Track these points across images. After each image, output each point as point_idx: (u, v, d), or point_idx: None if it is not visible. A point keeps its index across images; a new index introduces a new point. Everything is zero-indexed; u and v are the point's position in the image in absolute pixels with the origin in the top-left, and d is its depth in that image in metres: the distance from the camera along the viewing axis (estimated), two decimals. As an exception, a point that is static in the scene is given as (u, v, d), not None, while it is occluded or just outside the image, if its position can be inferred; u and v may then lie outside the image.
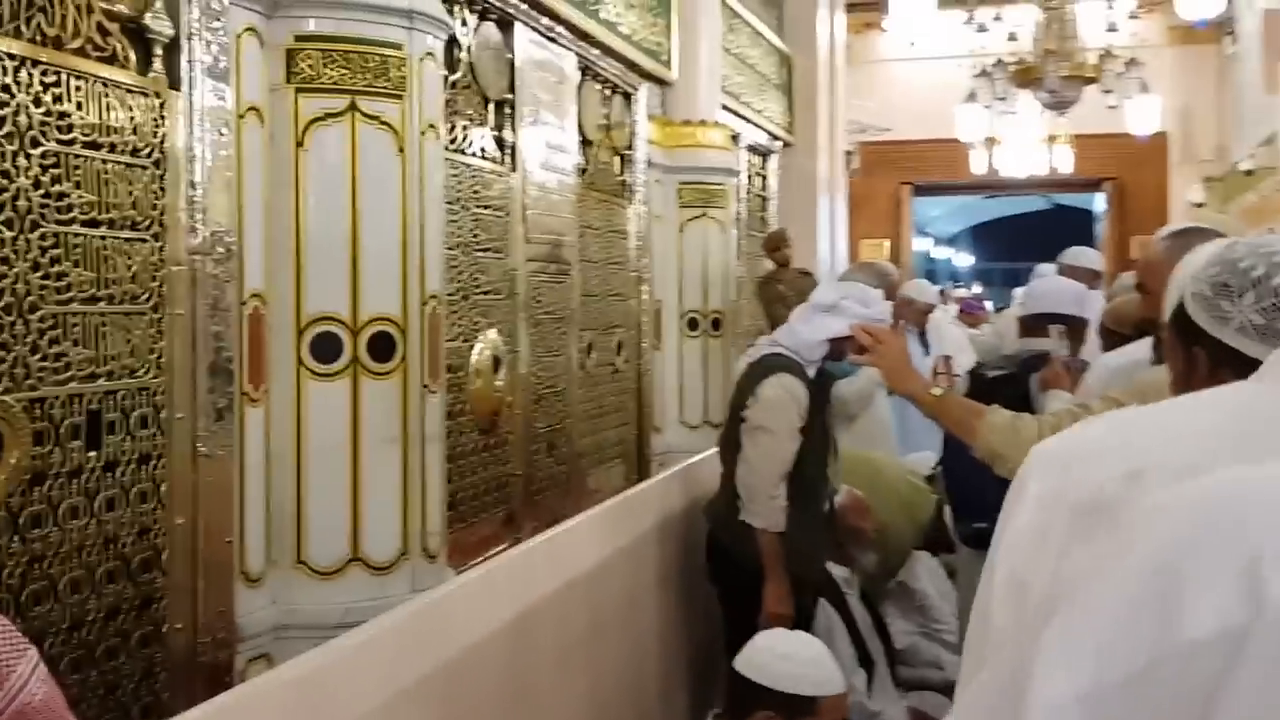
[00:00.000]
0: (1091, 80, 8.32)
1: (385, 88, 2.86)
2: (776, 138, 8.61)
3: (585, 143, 5.29)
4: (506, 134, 4.39)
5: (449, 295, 3.92)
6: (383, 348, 2.91)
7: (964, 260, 30.62)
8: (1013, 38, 8.41)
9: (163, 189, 2.50)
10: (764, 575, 3.25)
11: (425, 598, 2.83)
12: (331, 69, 2.80)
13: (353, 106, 2.83)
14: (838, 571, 3.72)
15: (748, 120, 7.71)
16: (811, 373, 3.38)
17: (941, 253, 28.86)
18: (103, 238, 2.35)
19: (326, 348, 2.85)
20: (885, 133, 12.42)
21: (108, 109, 2.34)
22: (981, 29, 8.58)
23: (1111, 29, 7.76)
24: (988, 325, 9.04)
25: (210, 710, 2.07)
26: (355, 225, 2.85)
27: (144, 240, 2.46)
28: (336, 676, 2.41)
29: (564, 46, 4.88)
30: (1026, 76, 8.07)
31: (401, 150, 2.91)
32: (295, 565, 2.88)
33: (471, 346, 4.13)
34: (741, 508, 3.31)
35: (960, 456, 3.27)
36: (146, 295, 2.47)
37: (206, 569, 2.64)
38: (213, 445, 2.63)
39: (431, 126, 3.00)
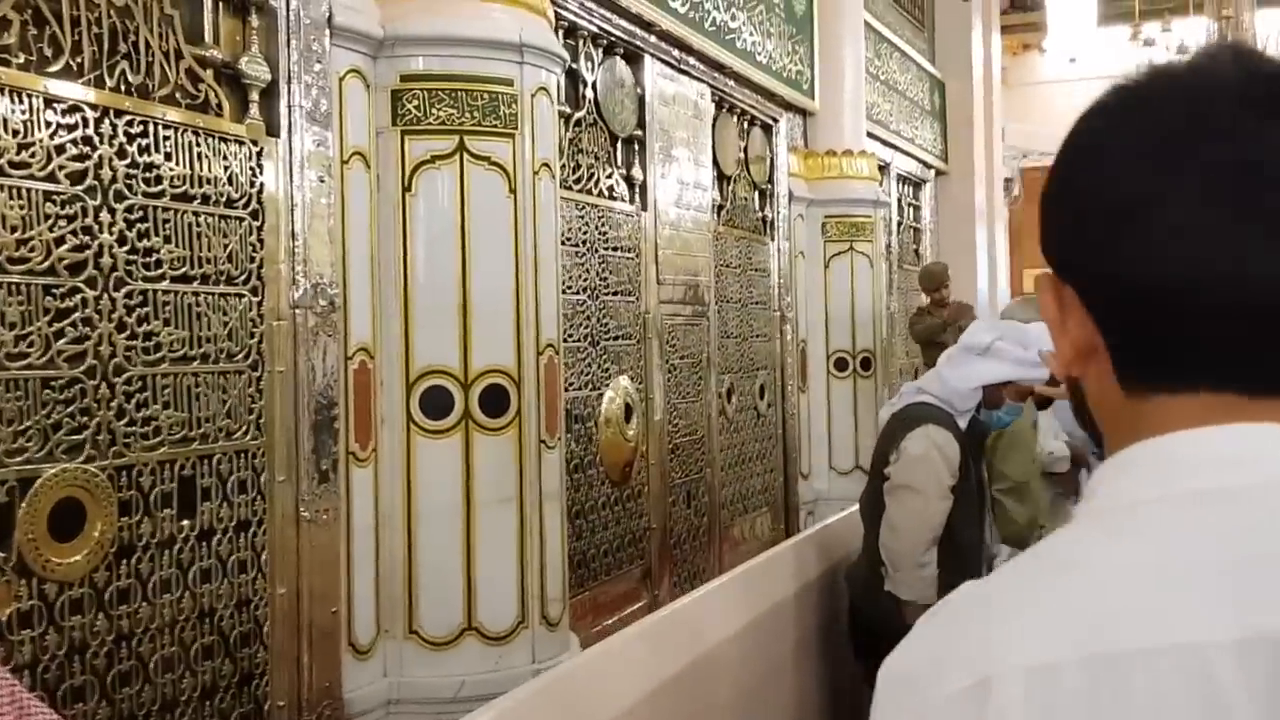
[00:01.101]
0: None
1: (495, 126, 2.70)
2: (929, 166, 8.23)
3: (722, 178, 5.07)
4: (636, 172, 4.20)
5: (575, 342, 3.74)
6: (496, 401, 2.73)
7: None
8: (1182, 50, 7.83)
9: (260, 240, 2.37)
10: (914, 654, 2.90)
11: (552, 674, 2.61)
12: (439, 108, 2.65)
13: (461, 147, 2.67)
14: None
15: (897, 149, 7.37)
16: (963, 423, 3.03)
17: (1110, 280, 27.55)
18: (195, 293, 2.23)
19: (436, 402, 2.68)
20: (1048, 157, 11.84)
21: (199, 158, 2.23)
22: (1148, 43, 8.04)
23: (1296, 36, 7.15)
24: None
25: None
26: (465, 272, 2.69)
27: (240, 295, 2.33)
28: None
29: (697, 79, 4.67)
30: (1200, 93, 7.49)
31: (513, 191, 2.73)
32: (407, 635, 2.71)
33: (601, 395, 3.93)
34: (886, 576, 2.96)
35: None
36: (244, 352, 2.34)
37: (311, 641, 2.49)
38: (317, 509, 2.48)
39: (545, 165, 2.82)
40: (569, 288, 3.71)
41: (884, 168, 7.10)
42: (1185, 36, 8.01)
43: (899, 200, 7.60)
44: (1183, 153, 0.64)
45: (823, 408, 5.90)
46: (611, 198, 4.03)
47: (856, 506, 3.32)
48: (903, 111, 7.51)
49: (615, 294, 4.03)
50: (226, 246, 2.30)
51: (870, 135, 6.52)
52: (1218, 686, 0.60)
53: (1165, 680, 0.60)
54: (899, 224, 7.56)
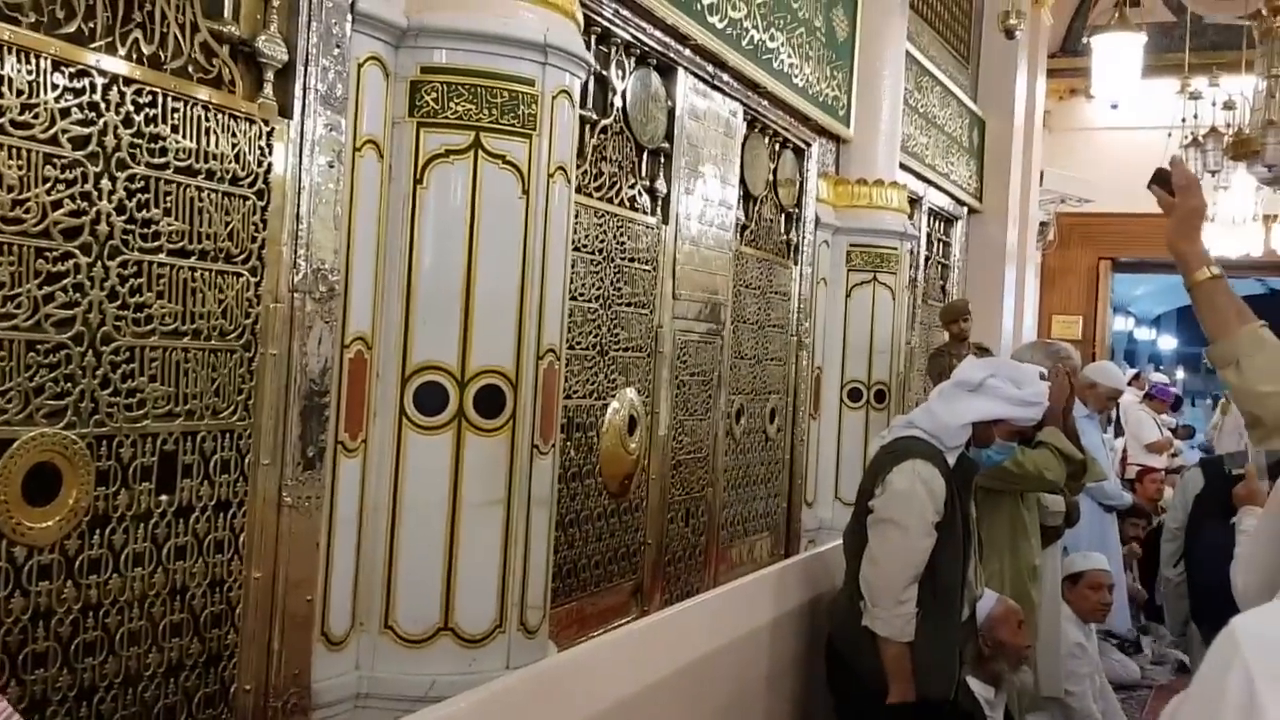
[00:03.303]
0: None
1: (512, 125, 2.68)
2: (963, 203, 8.17)
3: (748, 197, 5.03)
4: (660, 184, 4.17)
5: (583, 350, 3.72)
6: (491, 402, 2.70)
7: (1167, 343, 28.88)
8: (1229, 105, 7.75)
9: (264, 221, 2.36)
10: (886, 691, 2.84)
11: (515, 675, 2.58)
12: (457, 103, 2.64)
13: (476, 143, 2.65)
14: (979, 690, 3.25)
15: (931, 183, 7.32)
16: (951, 460, 2.97)
17: (1144, 334, 27.28)
18: (192, 268, 2.22)
19: (431, 399, 2.66)
20: (1086, 204, 11.71)
21: (207, 134, 2.21)
22: (1194, 96, 7.95)
23: (1345, 99, 7.04)
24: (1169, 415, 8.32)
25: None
26: (471, 270, 2.66)
27: (239, 273, 2.32)
28: None
29: (730, 96, 4.65)
30: (1243, 149, 7.38)
31: (526, 192, 2.71)
32: (382, 630, 2.68)
33: (606, 405, 3.90)
34: (864, 611, 2.90)
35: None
36: (238, 332, 2.33)
37: (284, 628, 2.46)
38: (299, 495, 2.46)
39: (561, 169, 2.80)
40: (581, 295, 3.68)
41: (916, 201, 7.05)
42: (1232, 91, 7.91)
43: (929, 235, 7.54)
44: None
45: (833, 436, 5.84)
46: (633, 208, 4.00)
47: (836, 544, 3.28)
48: (940, 146, 7.46)
49: (629, 305, 4.00)
50: (228, 224, 2.28)
51: (904, 167, 6.48)
52: None
53: None
54: (927, 259, 7.50)
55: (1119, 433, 8.85)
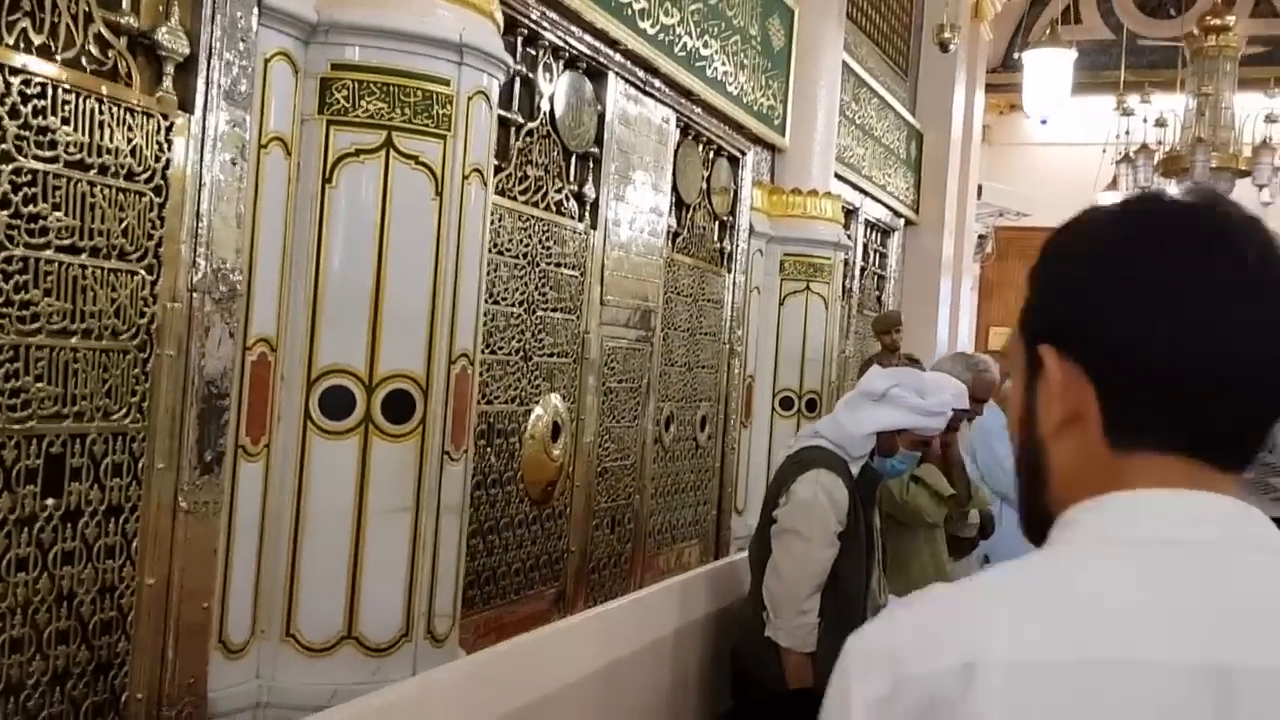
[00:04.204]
0: (1244, 174, 7.71)
1: (426, 125, 2.64)
2: (899, 215, 8.23)
3: (681, 205, 5.02)
4: (589, 189, 4.14)
5: (505, 355, 3.68)
6: (400, 407, 2.65)
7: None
8: (1161, 123, 7.88)
9: (161, 218, 2.30)
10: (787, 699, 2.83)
11: (405, 683, 2.54)
12: (368, 101, 2.59)
13: (388, 143, 2.61)
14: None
15: (867, 194, 7.36)
16: (855, 469, 2.97)
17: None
18: (83, 266, 2.15)
19: (337, 403, 2.61)
20: (1024, 218, 11.87)
21: (101, 127, 2.15)
22: (1127, 112, 8.07)
23: (1271, 119, 7.18)
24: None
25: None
26: (381, 272, 2.62)
27: (134, 272, 2.26)
28: None
29: (662, 102, 4.63)
30: (1173, 166, 7.52)
31: (439, 194, 2.67)
32: (283, 639, 2.62)
33: (529, 411, 3.86)
34: (767, 621, 2.89)
35: None
36: (131, 331, 2.26)
37: (179, 635, 2.40)
38: (196, 500, 2.39)
39: (477, 171, 2.76)
40: (504, 299, 3.64)
41: (852, 212, 7.09)
42: (1164, 108, 8.04)
43: (865, 246, 7.59)
44: (1179, 274, 0.80)
45: (764, 444, 5.84)
46: (559, 213, 3.97)
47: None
48: (877, 158, 7.50)
49: (555, 310, 3.97)
50: (123, 221, 2.22)
51: (840, 177, 6.51)
52: (1173, 701, 0.72)
53: (1131, 689, 0.72)
54: (863, 269, 7.54)
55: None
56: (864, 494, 2.99)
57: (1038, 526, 0.88)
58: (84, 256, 2.15)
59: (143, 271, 2.27)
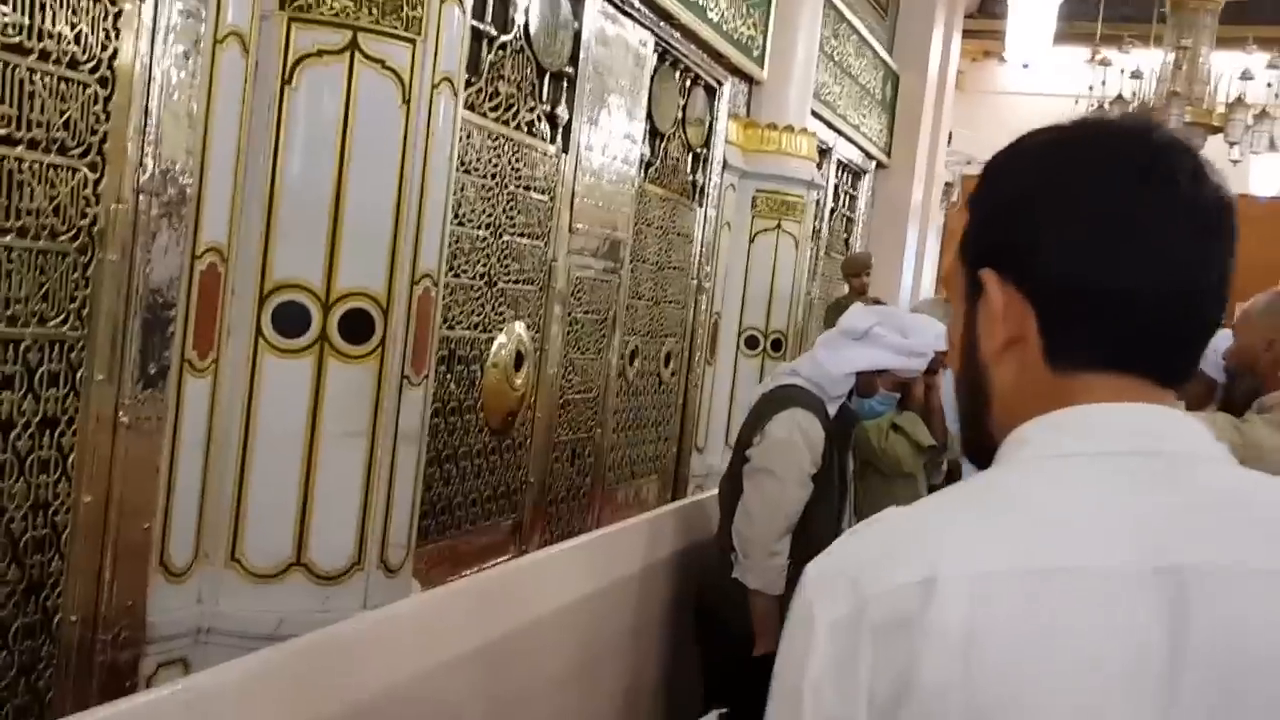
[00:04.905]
0: (1217, 130, 7.65)
1: (394, 28, 2.48)
2: (871, 157, 8.11)
3: (656, 134, 4.87)
4: (561, 110, 3.99)
5: (469, 279, 3.54)
6: (358, 327, 2.52)
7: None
8: (1136, 75, 7.79)
9: (107, 112, 2.14)
10: (753, 644, 2.77)
11: (369, 616, 2.45)
12: (334, -1, 2.42)
13: (353, 44, 2.45)
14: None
15: (841, 134, 7.23)
16: (832, 410, 2.89)
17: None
18: (19, 159, 1.99)
19: (291, 319, 2.47)
20: (992, 167, 11.79)
21: (41, 9, 1.98)
22: (1104, 63, 7.96)
23: (1246, 76, 7.11)
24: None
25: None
26: (341, 182, 2.47)
27: (75, 169, 2.10)
28: (258, 692, 2.04)
29: (640, 24, 4.47)
30: (1148, 119, 7.44)
31: (407, 102, 2.52)
32: (228, 563, 2.51)
33: (492, 339, 3.74)
34: (735, 563, 2.81)
35: None
36: (72, 233, 2.11)
37: (116, 556, 2.27)
38: (138, 415, 2.26)
39: (447, 80, 2.61)
40: (469, 221, 3.50)
41: (826, 152, 6.96)
42: (1141, 61, 7.95)
43: (836, 187, 7.47)
44: (1119, 200, 0.83)
45: (727, 383, 5.76)
46: (530, 133, 3.82)
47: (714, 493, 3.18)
48: (852, 97, 7.36)
49: (522, 235, 3.83)
50: (64, 113, 2.06)
51: (815, 115, 6.37)
52: (1124, 605, 0.75)
53: (1083, 595, 0.75)
54: (832, 211, 7.43)
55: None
56: (840, 435, 2.91)
57: (981, 450, 0.91)
58: (20, 149, 1.99)
59: (85, 169, 2.12)
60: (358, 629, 2.27)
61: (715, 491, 3.48)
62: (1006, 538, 0.78)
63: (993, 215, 0.89)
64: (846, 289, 6.45)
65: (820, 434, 2.79)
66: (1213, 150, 8.17)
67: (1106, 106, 7.96)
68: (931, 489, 3.69)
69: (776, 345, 5.77)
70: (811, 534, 2.83)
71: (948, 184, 10.34)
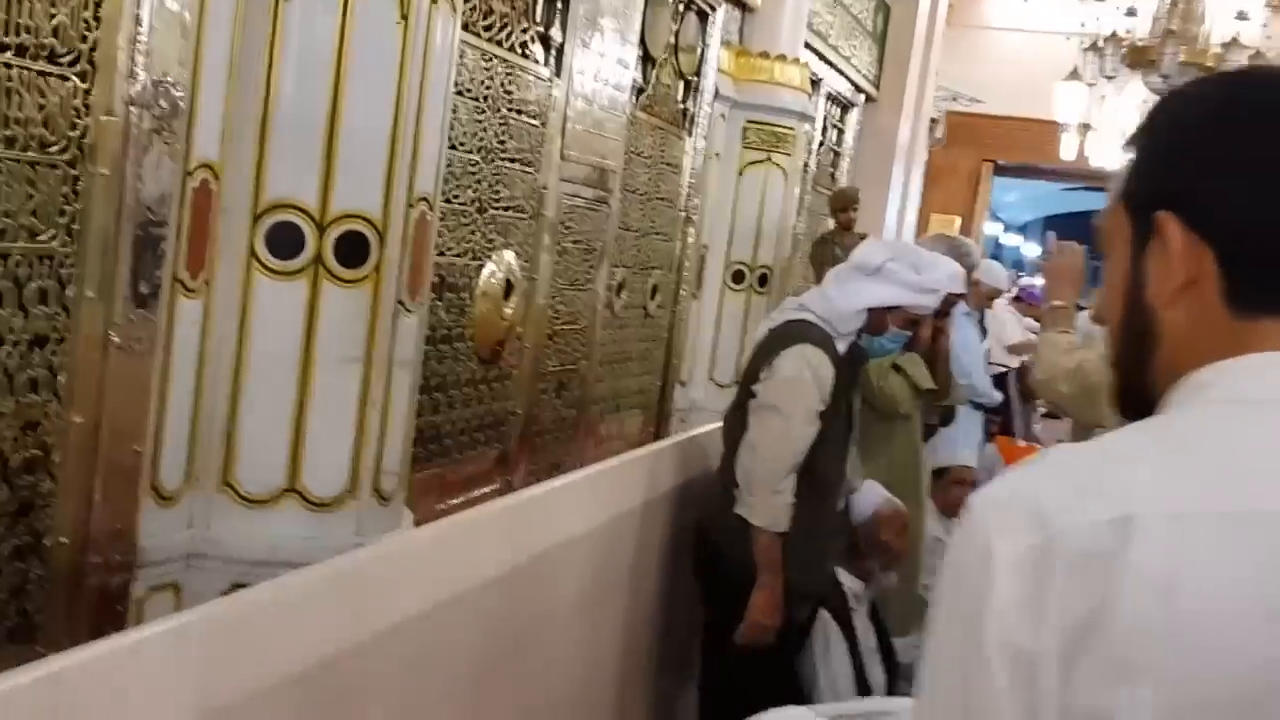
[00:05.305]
0: (1211, 71, 7.59)
1: (393, -61, 2.39)
2: (861, 90, 8.02)
3: (648, 59, 4.78)
4: (555, 33, 3.89)
5: (461, 205, 3.48)
6: (354, 250, 2.46)
7: (1032, 250, 29.69)
8: (1132, 12, 7.70)
9: (97, 19, 2.05)
10: (755, 581, 2.76)
11: (369, 550, 2.42)
12: (330, -93, 2.33)
13: (351, -45, 2.36)
14: (848, 582, 3.21)
15: (832, 65, 7.13)
16: (842, 347, 2.84)
17: (1011, 240, 27.95)
18: (7, 65, 1.91)
19: (285, 240, 2.41)
20: (976, 104, 11.71)
21: (29, -94, 1.89)
22: (1098, -1, 7.88)
23: (1241, 17, 7.05)
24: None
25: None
26: (337, 100, 2.40)
27: (64, 77, 2.02)
28: (279, 620, 2.02)
29: (635, -54, 4.36)
30: (1140, 57, 7.38)
31: (405, 18, 2.44)
32: (220, 487, 2.47)
33: (482, 266, 3.68)
34: (738, 499, 2.78)
35: None
36: (61, 145, 2.03)
37: (106, 478, 2.22)
38: (129, 335, 2.20)
39: (446, -4, 2.52)
40: (462, 144, 3.43)
41: (816, 83, 6.87)
42: (1133, 1, 7.87)
43: (825, 120, 7.39)
44: None
45: (712, 317, 5.74)
46: (523, 55, 3.73)
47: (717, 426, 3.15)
48: (844, 27, 7.26)
49: (513, 161, 3.76)
50: (52, 18, 1.97)
51: (808, 45, 6.28)
52: None
53: (1275, 541, 0.75)
54: (820, 144, 7.36)
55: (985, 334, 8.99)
56: (849, 374, 2.87)
57: (1138, 400, 0.91)
58: (9, 55, 1.91)
59: (75, 78, 2.03)
60: (355, 562, 2.25)
61: (710, 428, 3.46)
62: (1196, 479, 0.78)
63: (1169, 158, 0.88)
64: (832, 224, 6.39)
65: (830, 371, 2.75)
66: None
67: (1100, 44, 7.89)
68: (926, 431, 3.69)
69: (763, 281, 5.73)
70: (817, 473, 2.80)
71: (933, 120, 10.28)
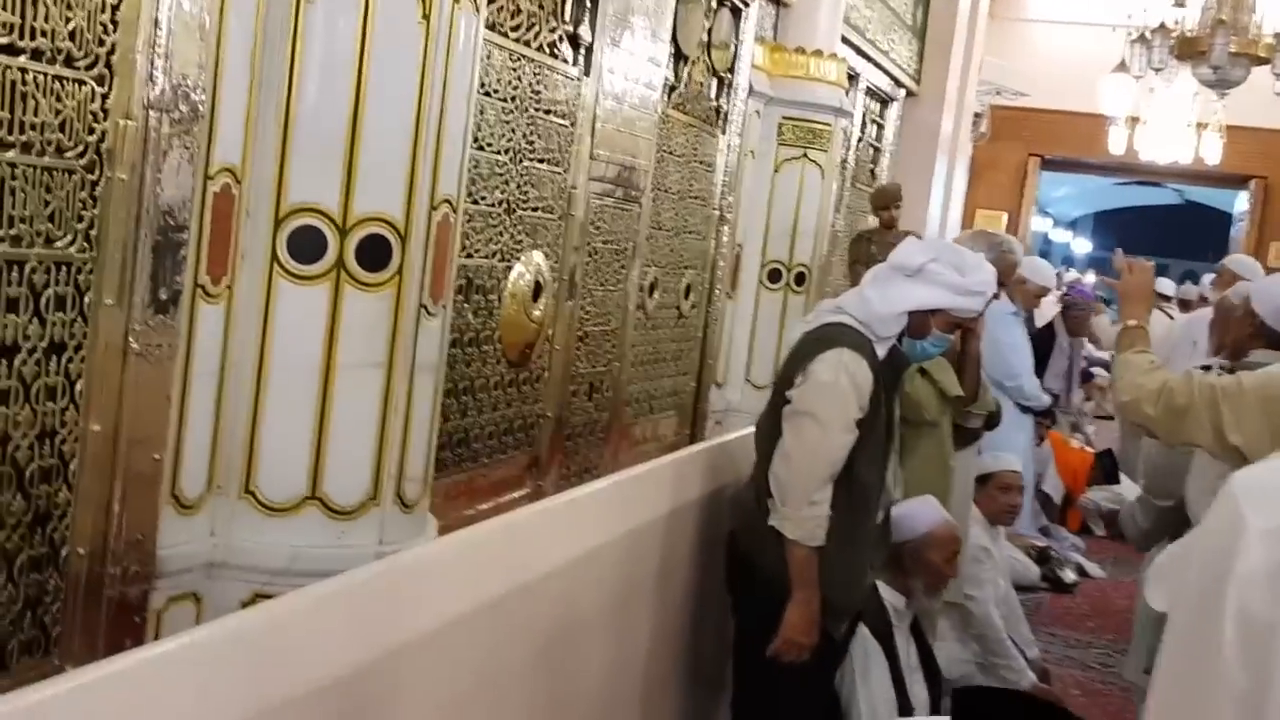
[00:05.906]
0: (1262, 61, 7.41)
1: (415, -61, 2.34)
2: (901, 84, 7.90)
3: (680, 57, 4.72)
4: (584, 31, 3.85)
5: (489, 206, 3.44)
6: (376, 254, 2.43)
7: (1082, 246, 29.26)
8: (1180, 3, 7.52)
9: (115, 22, 2.03)
10: (789, 595, 2.67)
11: (387, 561, 2.38)
12: (351, -93, 2.29)
13: (372, -45, 2.32)
14: (888, 597, 3.10)
15: (870, 60, 7.03)
16: (881, 351, 2.72)
17: (1061, 236, 27.57)
18: (23, 69, 1.89)
19: (307, 245, 2.37)
20: (1021, 97, 11.51)
21: (43, -91, 1.86)
22: (1149, -10, 7.70)
23: (1293, 6, 6.88)
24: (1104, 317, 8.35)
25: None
26: (359, 102, 2.36)
27: (82, 81, 1.99)
28: (307, 631, 2.00)
29: (668, -58, 4.30)
30: (1190, 48, 7.20)
31: (426, 18, 2.40)
32: (241, 495, 2.44)
33: (510, 268, 3.64)
34: (772, 509, 2.68)
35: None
36: (79, 149, 2.01)
37: (125, 487, 2.20)
38: (149, 342, 2.17)
39: (470, -5, 2.48)
40: (489, 145, 3.39)
41: (853, 78, 6.77)
42: (1182, -7, 7.70)
43: (864, 115, 7.29)
44: None
45: (748, 317, 5.67)
46: (552, 55, 3.68)
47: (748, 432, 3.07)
48: (883, 21, 7.15)
49: (542, 161, 3.71)
50: (70, 21, 1.95)
51: (845, 40, 6.19)
52: None
53: None
54: (859, 140, 7.26)
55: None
56: (889, 379, 2.77)
57: None
58: (24, 59, 1.89)
59: (92, 82, 2.01)
60: (380, 572, 2.21)
61: (741, 434, 3.38)
62: None
63: None
64: (873, 221, 6.30)
65: (868, 377, 2.63)
66: (1258, 81, 7.93)
67: (1148, 35, 7.72)
68: (963, 431, 3.59)
69: (800, 280, 5.66)
70: (855, 484, 2.68)
71: (976, 114, 10.13)
